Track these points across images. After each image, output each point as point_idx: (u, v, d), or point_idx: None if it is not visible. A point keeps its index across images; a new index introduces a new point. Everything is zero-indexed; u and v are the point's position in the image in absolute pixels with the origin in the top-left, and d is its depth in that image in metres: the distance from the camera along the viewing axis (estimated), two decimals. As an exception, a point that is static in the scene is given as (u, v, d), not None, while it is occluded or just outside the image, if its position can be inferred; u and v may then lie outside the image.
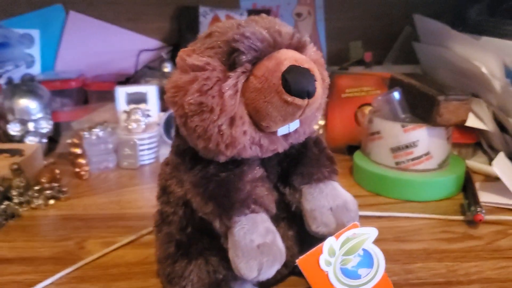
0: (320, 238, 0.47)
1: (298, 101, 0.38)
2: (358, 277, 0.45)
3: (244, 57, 0.39)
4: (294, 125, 0.43)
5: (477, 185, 0.76)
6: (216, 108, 0.39)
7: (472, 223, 0.66)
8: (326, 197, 0.47)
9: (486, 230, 0.64)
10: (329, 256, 0.44)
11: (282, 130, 0.42)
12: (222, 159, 0.42)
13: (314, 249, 0.44)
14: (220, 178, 0.43)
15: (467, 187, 0.75)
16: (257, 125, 0.41)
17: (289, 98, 0.38)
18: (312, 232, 0.47)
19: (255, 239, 0.41)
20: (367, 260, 0.46)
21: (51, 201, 0.74)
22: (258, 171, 0.44)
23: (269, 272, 0.41)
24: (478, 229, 0.65)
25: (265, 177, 0.45)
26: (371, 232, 0.46)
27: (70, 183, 0.83)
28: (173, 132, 0.92)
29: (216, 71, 0.39)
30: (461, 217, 0.68)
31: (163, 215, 0.50)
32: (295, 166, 0.48)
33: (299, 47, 0.41)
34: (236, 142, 0.40)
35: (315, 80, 0.39)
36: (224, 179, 0.42)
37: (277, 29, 0.40)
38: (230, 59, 0.39)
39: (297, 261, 0.44)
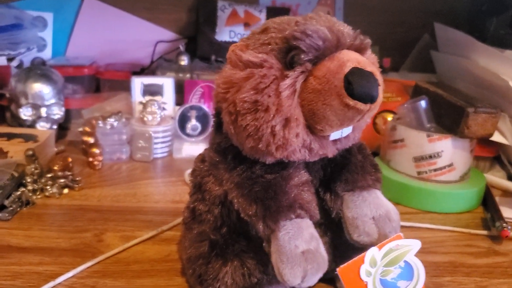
0: (357, 247, 0.46)
1: (360, 105, 0.36)
2: (397, 289, 0.44)
3: (304, 56, 0.37)
4: (347, 130, 0.41)
5: (497, 199, 0.75)
6: (271, 107, 0.37)
7: (496, 238, 0.65)
8: (369, 206, 0.45)
9: (511, 246, 0.64)
10: (370, 266, 0.43)
11: (334, 135, 0.41)
12: (269, 160, 0.41)
13: (355, 258, 0.43)
14: (267, 180, 0.41)
15: (488, 201, 0.74)
16: (310, 127, 0.40)
17: (351, 102, 0.36)
18: (353, 240, 0.46)
19: (300, 245, 0.40)
20: (408, 272, 0.45)
21: (65, 190, 0.72)
22: (304, 175, 0.43)
23: (312, 280, 0.40)
24: (503, 245, 0.64)
25: (310, 182, 0.44)
26: (414, 244, 0.44)
27: (82, 172, 0.81)
28: (188, 128, 0.91)
29: (274, 69, 0.37)
30: (484, 232, 0.67)
31: (195, 213, 0.49)
32: (339, 172, 0.46)
33: (361, 49, 0.39)
34: (288, 144, 0.39)
35: (378, 85, 0.37)
36: (271, 181, 0.41)
37: (339, 29, 0.38)
38: (288, 57, 0.38)
39: (337, 269, 0.42)
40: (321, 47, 0.37)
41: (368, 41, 0.40)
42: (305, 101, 0.38)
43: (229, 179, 0.43)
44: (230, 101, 0.39)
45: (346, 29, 0.39)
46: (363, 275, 0.43)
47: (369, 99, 0.36)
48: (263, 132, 0.38)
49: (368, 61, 0.38)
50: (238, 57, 0.39)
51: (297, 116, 0.38)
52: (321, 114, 0.38)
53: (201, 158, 0.50)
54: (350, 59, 0.37)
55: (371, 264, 0.43)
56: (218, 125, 0.45)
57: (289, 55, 0.38)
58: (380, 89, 0.38)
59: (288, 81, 0.37)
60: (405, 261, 0.45)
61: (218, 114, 0.44)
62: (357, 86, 0.36)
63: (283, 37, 0.38)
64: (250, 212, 0.41)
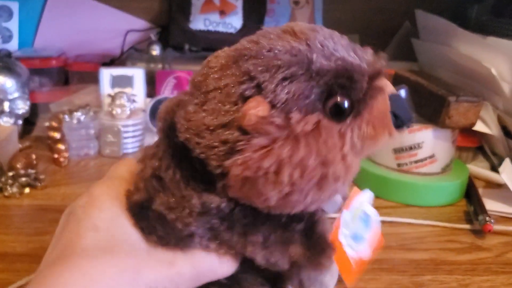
0: None
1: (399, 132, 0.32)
2: (362, 239, 0.42)
3: (350, 100, 0.29)
4: None
5: (480, 191, 0.72)
6: (342, 176, 0.30)
7: (479, 232, 0.62)
8: None
9: (494, 241, 0.61)
10: (345, 228, 0.41)
11: None
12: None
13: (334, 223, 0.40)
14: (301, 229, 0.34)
15: (471, 193, 0.71)
16: None
17: (396, 133, 0.31)
18: None
19: None
20: (367, 220, 0.43)
21: (27, 190, 0.68)
22: None
23: None
24: (486, 240, 0.61)
25: None
26: (368, 194, 0.43)
27: (47, 169, 0.77)
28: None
29: (333, 131, 0.29)
30: (466, 226, 0.64)
31: None
32: None
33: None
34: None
35: None
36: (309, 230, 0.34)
37: (362, 55, 0.31)
38: (329, 105, 0.29)
39: None
40: (364, 87, 0.30)
41: (383, 62, 0.33)
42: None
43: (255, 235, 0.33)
44: (284, 183, 0.29)
45: (365, 53, 0.31)
46: (340, 237, 0.40)
47: (410, 122, 0.32)
48: (326, 195, 0.31)
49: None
50: (281, 126, 0.29)
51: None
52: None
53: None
54: (388, 89, 0.31)
55: (345, 226, 0.41)
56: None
57: (329, 102, 0.29)
58: None
59: (347, 139, 0.30)
60: (364, 211, 0.43)
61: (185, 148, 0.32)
62: (403, 118, 0.31)
63: (323, 82, 0.29)
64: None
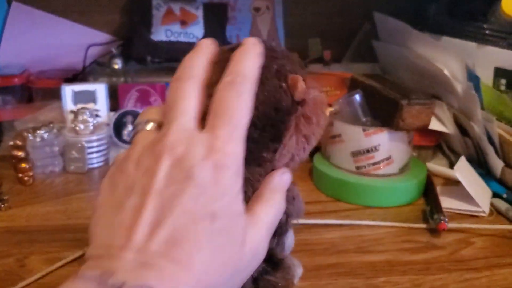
0: None
1: None
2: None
3: None
4: None
5: (438, 189, 0.74)
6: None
7: (434, 231, 0.64)
8: None
9: (449, 238, 0.63)
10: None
11: None
12: None
13: None
14: None
15: (429, 192, 0.74)
16: None
17: None
18: None
19: None
20: None
21: (-10, 212, 0.69)
22: None
23: None
24: (441, 238, 0.63)
25: None
26: None
27: (12, 189, 0.77)
28: (125, 134, 0.88)
29: None
30: (423, 225, 0.66)
31: None
32: None
33: None
34: None
35: None
36: None
37: None
38: None
39: None
40: None
41: None
42: None
43: None
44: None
45: None
46: None
47: None
48: None
49: None
50: None
51: None
52: None
53: None
54: None
55: None
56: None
57: None
58: None
59: None
60: None
61: None
62: None
63: None
64: None
